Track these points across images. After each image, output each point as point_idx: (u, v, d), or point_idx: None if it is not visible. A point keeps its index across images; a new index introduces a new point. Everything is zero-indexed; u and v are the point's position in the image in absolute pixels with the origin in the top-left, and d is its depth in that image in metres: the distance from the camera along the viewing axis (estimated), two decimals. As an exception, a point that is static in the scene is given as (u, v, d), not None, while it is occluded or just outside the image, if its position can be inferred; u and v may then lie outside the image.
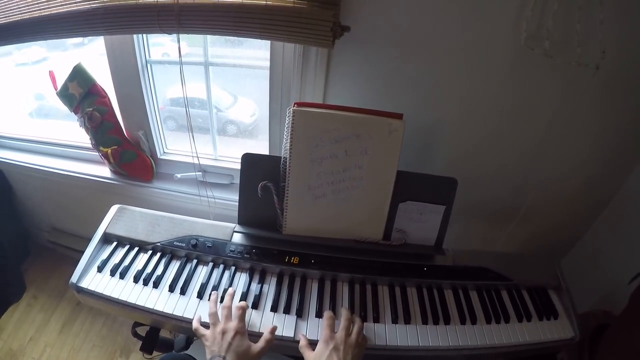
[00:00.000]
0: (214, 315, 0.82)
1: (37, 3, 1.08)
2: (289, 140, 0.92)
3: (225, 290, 0.90)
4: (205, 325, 0.82)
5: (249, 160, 0.99)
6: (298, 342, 0.83)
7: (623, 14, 0.89)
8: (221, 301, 0.87)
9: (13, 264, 1.80)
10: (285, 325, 0.86)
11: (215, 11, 0.94)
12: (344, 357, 0.75)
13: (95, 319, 1.73)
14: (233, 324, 0.79)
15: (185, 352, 1.07)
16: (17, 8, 1.10)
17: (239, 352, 0.75)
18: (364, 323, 0.86)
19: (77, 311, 1.75)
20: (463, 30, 0.97)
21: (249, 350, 0.76)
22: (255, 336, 0.82)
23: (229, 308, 0.83)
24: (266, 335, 0.80)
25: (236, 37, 1.20)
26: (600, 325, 1.20)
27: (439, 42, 1.00)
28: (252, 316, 0.87)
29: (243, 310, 0.82)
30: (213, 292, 0.88)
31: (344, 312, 0.85)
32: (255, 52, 1.27)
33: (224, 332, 0.77)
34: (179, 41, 1.01)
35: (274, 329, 0.82)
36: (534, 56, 0.95)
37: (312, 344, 0.81)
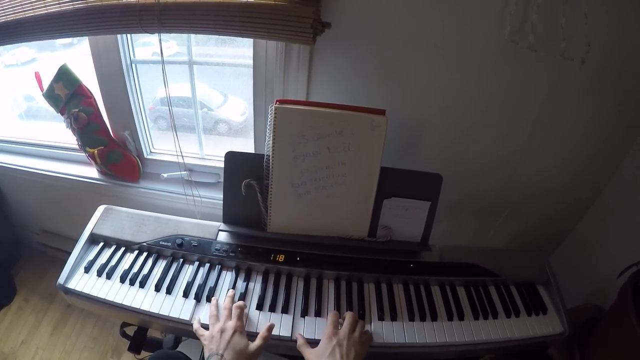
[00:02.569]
0: (214, 316, 0.83)
1: (20, 5, 1.08)
2: (271, 138, 0.92)
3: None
4: (205, 327, 0.82)
5: (232, 158, 0.99)
6: (288, 340, 0.83)
7: (608, 7, 0.89)
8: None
9: (3, 267, 1.79)
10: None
11: (196, 10, 0.94)
12: (347, 353, 0.75)
13: (86, 321, 1.72)
14: (232, 322, 0.80)
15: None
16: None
17: (237, 350, 0.75)
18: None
19: (68, 313, 1.74)
20: (446, 26, 0.96)
21: (247, 348, 0.77)
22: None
23: (229, 309, 0.83)
24: (263, 332, 0.80)
25: (218, 36, 1.19)
26: (590, 320, 1.20)
27: (421, 38, 0.99)
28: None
29: (241, 309, 0.83)
30: (213, 298, 0.88)
31: (348, 312, 0.85)
32: (240, 50, 1.26)
33: (222, 331, 0.78)
34: (160, 41, 1.00)
35: (271, 326, 0.82)
36: (519, 51, 0.95)
37: (310, 342, 0.82)
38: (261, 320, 0.86)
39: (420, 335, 0.87)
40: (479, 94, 1.07)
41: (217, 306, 0.86)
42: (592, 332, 1.15)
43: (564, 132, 1.13)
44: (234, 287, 0.92)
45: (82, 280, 0.92)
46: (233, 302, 0.86)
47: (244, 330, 0.80)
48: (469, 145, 1.19)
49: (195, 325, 0.83)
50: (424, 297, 0.95)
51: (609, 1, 0.88)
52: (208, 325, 0.82)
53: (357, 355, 0.76)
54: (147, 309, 0.87)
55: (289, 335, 0.84)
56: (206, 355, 0.75)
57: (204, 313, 0.86)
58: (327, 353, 0.75)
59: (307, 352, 0.79)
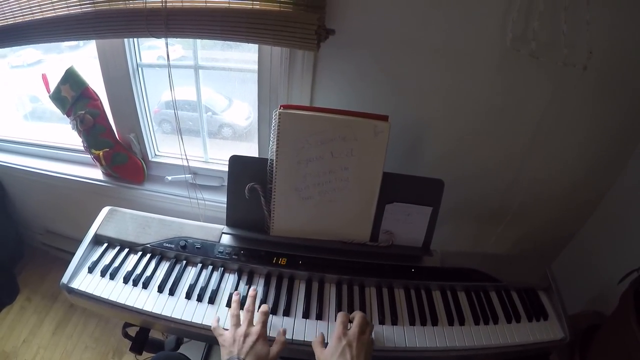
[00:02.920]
0: (236, 317, 0.82)
1: (28, 7, 1.10)
2: (275, 142, 0.93)
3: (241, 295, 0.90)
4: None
5: (236, 162, 1.00)
6: (289, 342, 0.83)
7: (610, 14, 0.90)
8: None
9: (6, 266, 1.80)
10: (272, 326, 0.86)
11: (203, 15, 0.95)
12: (356, 354, 0.74)
13: (88, 321, 1.73)
14: (256, 328, 0.79)
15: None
16: (5, 13, 1.11)
17: (259, 356, 0.75)
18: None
19: (70, 313, 1.75)
20: (448, 33, 0.97)
21: (268, 355, 0.77)
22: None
23: (252, 312, 0.83)
24: (280, 337, 0.81)
25: (222, 41, 1.21)
26: (591, 326, 1.21)
27: (424, 44, 1.00)
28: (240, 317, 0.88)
29: (267, 316, 0.83)
30: (235, 293, 0.88)
31: (358, 312, 0.85)
32: (246, 55, 1.28)
33: (246, 335, 0.77)
34: (167, 45, 1.02)
35: (285, 330, 0.83)
36: (521, 57, 0.96)
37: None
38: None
39: (420, 339, 0.87)
40: (481, 100, 1.08)
41: (238, 305, 0.85)
42: (593, 339, 1.15)
43: (566, 138, 1.13)
44: (236, 289, 0.92)
45: (85, 280, 0.93)
46: (254, 303, 0.85)
47: (266, 337, 0.80)
48: (471, 150, 1.19)
49: (214, 324, 0.83)
50: (425, 301, 0.95)
51: (611, 8, 0.89)
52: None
53: (367, 356, 0.76)
54: (150, 310, 0.88)
55: (290, 337, 0.85)
56: (224, 356, 0.76)
57: (207, 314, 0.87)
58: (337, 353, 0.74)
59: (318, 350, 0.79)
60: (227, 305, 0.89)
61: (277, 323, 0.87)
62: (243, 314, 0.83)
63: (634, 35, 0.93)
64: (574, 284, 1.35)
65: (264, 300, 0.90)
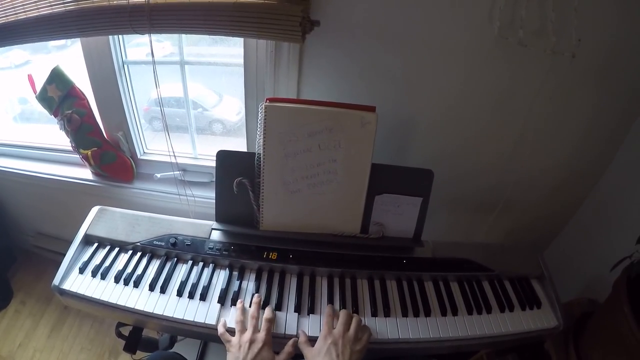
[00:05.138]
0: (241, 322, 0.83)
1: (12, 7, 1.08)
2: (262, 136, 0.92)
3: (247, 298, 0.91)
4: (230, 332, 0.83)
5: (223, 157, 0.99)
6: (281, 337, 0.84)
7: (598, 1, 0.89)
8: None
9: (-2, 270, 1.79)
10: (261, 321, 0.85)
11: (185, 10, 0.94)
12: (342, 352, 0.75)
13: (83, 322, 1.72)
14: (261, 335, 0.80)
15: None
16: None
17: None
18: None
19: (65, 315, 1.75)
20: (435, 21, 0.97)
21: None
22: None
23: (257, 318, 0.84)
24: (288, 348, 0.81)
25: (209, 36, 1.20)
26: (584, 314, 1.21)
27: (411, 34, 0.99)
28: (231, 312, 0.88)
29: (272, 323, 0.84)
30: (239, 301, 0.88)
31: (342, 310, 0.85)
32: (233, 50, 1.27)
33: (251, 342, 0.78)
34: (151, 41, 1.01)
35: (295, 341, 0.82)
36: (509, 46, 0.95)
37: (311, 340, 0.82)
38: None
39: (414, 330, 0.87)
40: (470, 89, 1.08)
41: (243, 310, 0.86)
42: (586, 326, 1.15)
43: (556, 127, 1.13)
44: (227, 285, 0.92)
45: (77, 281, 0.92)
46: (259, 308, 0.86)
47: (271, 344, 0.81)
48: (460, 141, 1.19)
49: (221, 330, 0.83)
50: (417, 292, 0.95)
51: (599, -5, 0.88)
52: (231, 329, 0.83)
53: (354, 352, 0.77)
54: (142, 309, 0.87)
55: (282, 332, 0.84)
56: None
57: (229, 317, 0.86)
58: (322, 352, 0.76)
59: (306, 349, 0.80)
60: (218, 302, 0.89)
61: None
62: (248, 320, 0.83)
63: (622, 23, 0.93)
64: (567, 272, 1.36)
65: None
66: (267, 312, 0.85)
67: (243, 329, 0.81)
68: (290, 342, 0.82)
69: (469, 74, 1.05)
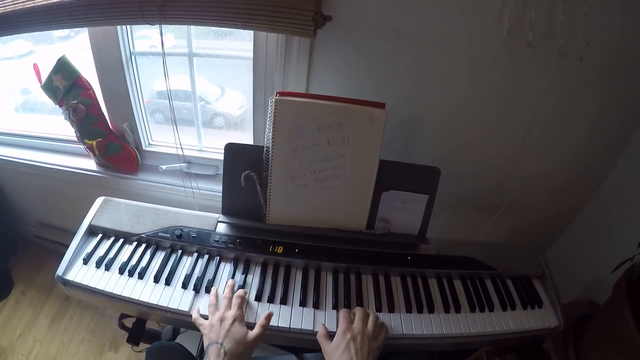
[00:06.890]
0: (213, 305, 0.83)
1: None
2: (271, 130, 0.92)
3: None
4: (204, 317, 0.83)
5: (232, 150, 0.99)
6: (286, 331, 0.84)
7: (606, 5, 0.89)
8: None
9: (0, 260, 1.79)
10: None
11: (198, 1, 0.94)
12: (360, 347, 0.76)
13: (83, 313, 1.72)
14: (231, 311, 0.80)
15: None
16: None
17: (236, 339, 0.75)
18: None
19: (66, 306, 1.75)
20: (446, 21, 0.97)
21: (246, 337, 0.77)
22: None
23: (229, 298, 0.83)
24: (261, 320, 0.81)
25: (219, 28, 1.19)
26: (584, 315, 1.21)
27: (421, 33, 1.00)
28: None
29: (242, 298, 0.83)
30: (213, 287, 0.88)
31: (358, 307, 0.86)
32: (240, 43, 1.26)
33: (222, 320, 0.78)
34: (161, 33, 1.00)
35: (270, 315, 0.83)
36: (518, 47, 0.95)
37: (309, 333, 0.83)
38: (259, 312, 0.86)
39: (417, 326, 0.88)
40: (476, 90, 1.08)
41: (216, 296, 0.86)
42: (586, 327, 1.16)
43: (561, 129, 1.14)
44: (233, 278, 0.92)
45: (80, 272, 0.92)
46: (233, 291, 0.86)
47: (243, 319, 0.81)
48: (465, 140, 1.19)
49: (194, 315, 0.83)
50: (421, 289, 0.95)
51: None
52: (207, 315, 0.82)
53: (372, 349, 0.77)
54: (146, 300, 0.87)
55: (287, 326, 0.85)
56: (205, 344, 0.76)
57: (203, 304, 0.86)
58: (341, 347, 0.76)
59: (324, 344, 0.79)
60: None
61: (275, 312, 0.86)
62: (220, 301, 0.84)
63: (630, 27, 0.93)
64: (568, 274, 1.36)
65: (261, 289, 0.90)
66: (239, 291, 0.85)
67: (215, 311, 0.81)
68: (265, 314, 0.82)
69: (476, 75, 1.05)
